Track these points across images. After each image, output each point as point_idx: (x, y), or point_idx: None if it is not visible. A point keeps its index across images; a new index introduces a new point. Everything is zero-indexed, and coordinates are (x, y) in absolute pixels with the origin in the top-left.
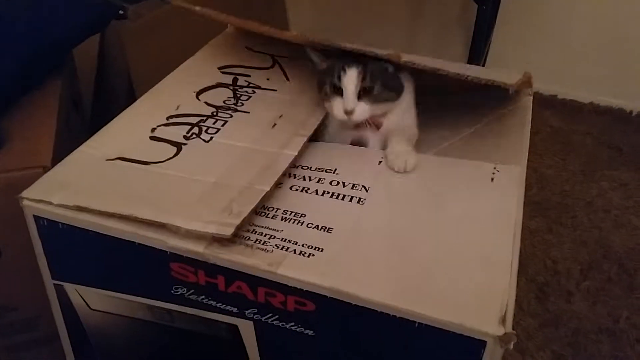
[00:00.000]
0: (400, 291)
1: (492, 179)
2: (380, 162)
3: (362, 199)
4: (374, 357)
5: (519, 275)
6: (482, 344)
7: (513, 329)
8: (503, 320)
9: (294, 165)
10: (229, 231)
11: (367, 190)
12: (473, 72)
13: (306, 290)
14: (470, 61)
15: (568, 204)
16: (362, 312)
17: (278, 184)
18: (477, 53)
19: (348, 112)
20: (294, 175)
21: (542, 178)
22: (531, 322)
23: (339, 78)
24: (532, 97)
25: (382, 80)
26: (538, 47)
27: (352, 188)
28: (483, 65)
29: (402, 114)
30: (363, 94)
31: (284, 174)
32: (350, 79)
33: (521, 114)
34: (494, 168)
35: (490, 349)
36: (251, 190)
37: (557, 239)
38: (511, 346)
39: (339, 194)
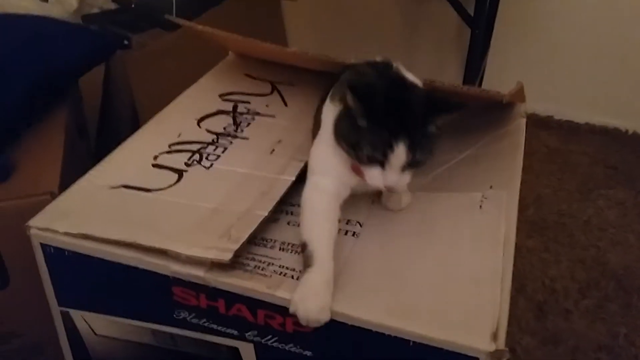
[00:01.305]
0: (394, 311)
1: (481, 206)
2: (373, 201)
3: (356, 233)
4: None
5: (517, 294)
6: None
7: (509, 346)
8: (495, 337)
9: (291, 204)
10: (227, 256)
11: (361, 226)
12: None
13: None
14: (465, 83)
15: (565, 223)
16: (358, 332)
17: (275, 220)
18: (471, 75)
19: (390, 188)
20: (292, 212)
21: (539, 198)
22: (530, 341)
23: (385, 154)
24: (525, 119)
25: (430, 148)
26: (534, 68)
27: (346, 223)
28: (479, 86)
29: None
30: (408, 166)
31: (281, 211)
32: (399, 157)
33: (515, 135)
34: (482, 196)
35: None
36: (250, 216)
37: (555, 257)
38: None
39: None
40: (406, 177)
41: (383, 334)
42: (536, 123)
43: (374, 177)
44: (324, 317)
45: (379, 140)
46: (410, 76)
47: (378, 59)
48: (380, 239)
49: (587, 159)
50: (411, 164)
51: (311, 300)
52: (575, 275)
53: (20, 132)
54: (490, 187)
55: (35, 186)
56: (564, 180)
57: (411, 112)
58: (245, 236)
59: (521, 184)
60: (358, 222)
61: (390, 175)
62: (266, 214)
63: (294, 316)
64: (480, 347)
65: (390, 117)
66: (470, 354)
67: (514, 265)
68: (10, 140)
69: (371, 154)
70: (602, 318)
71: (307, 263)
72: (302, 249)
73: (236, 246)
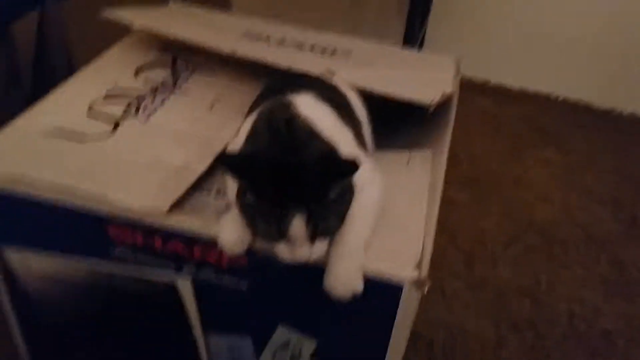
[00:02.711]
0: None
1: (408, 163)
2: None
3: None
4: (304, 304)
5: (448, 244)
6: (399, 287)
7: (439, 290)
8: (418, 267)
9: None
10: (164, 208)
11: None
12: (402, 70)
13: None
14: (405, 45)
15: (496, 180)
16: (289, 265)
17: (211, 170)
18: (411, 38)
19: (302, 262)
20: None
21: (472, 157)
22: (459, 285)
23: (280, 232)
24: (458, 81)
25: (337, 213)
26: (472, 35)
27: None
28: (420, 48)
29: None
30: (317, 233)
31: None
32: (298, 232)
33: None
34: (409, 153)
35: (407, 293)
36: (187, 170)
37: (485, 211)
38: (425, 290)
39: None
40: (320, 247)
41: (314, 265)
42: (472, 88)
43: (282, 252)
44: (245, 242)
45: (269, 217)
46: (320, 119)
47: (286, 101)
48: None
49: (519, 122)
50: (320, 233)
51: (229, 228)
52: (503, 227)
53: None
54: (410, 153)
55: None
56: (496, 141)
57: (303, 181)
58: (182, 189)
59: (456, 144)
60: None
61: (298, 250)
62: (203, 168)
63: None
64: (404, 275)
65: (278, 190)
66: (395, 280)
67: (446, 217)
68: None
69: (267, 231)
70: (526, 266)
71: (228, 206)
72: (226, 205)
73: (173, 198)
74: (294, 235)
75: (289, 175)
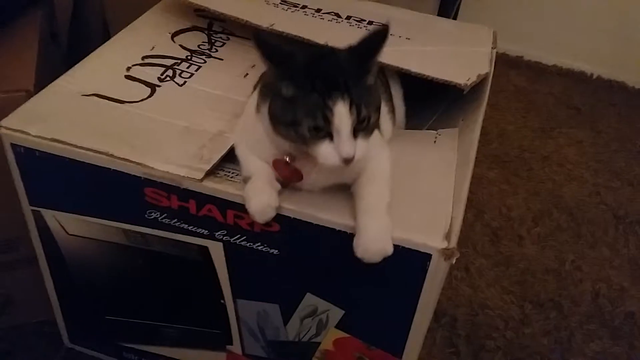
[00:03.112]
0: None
1: (435, 141)
2: None
3: None
4: (333, 272)
5: (475, 220)
6: (427, 256)
7: (464, 267)
8: (447, 237)
9: None
10: (199, 176)
11: None
12: (439, 46)
13: None
14: (440, 15)
15: (525, 158)
16: (321, 231)
17: None
18: (446, 10)
19: (348, 160)
20: None
21: (502, 133)
22: (484, 262)
23: (325, 118)
24: (494, 54)
25: (374, 102)
26: (507, 9)
27: None
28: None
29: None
30: (359, 128)
31: None
32: (343, 117)
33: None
34: (436, 133)
35: (435, 262)
36: (221, 138)
37: (513, 189)
38: (454, 260)
39: None
40: (362, 145)
41: (345, 232)
42: (506, 62)
43: (327, 153)
44: (273, 207)
45: (312, 104)
46: None
47: None
48: None
49: (551, 99)
50: (361, 126)
51: (255, 196)
52: (531, 205)
53: None
54: (437, 132)
55: (10, 83)
56: (528, 118)
57: (338, 65)
58: (217, 158)
59: (487, 119)
60: None
61: (343, 145)
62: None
63: None
64: (434, 244)
65: (316, 76)
66: (424, 250)
67: (474, 194)
68: None
69: (311, 124)
70: (552, 245)
71: (246, 181)
72: (244, 180)
73: (208, 167)
74: (338, 121)
75: (325, 62)
